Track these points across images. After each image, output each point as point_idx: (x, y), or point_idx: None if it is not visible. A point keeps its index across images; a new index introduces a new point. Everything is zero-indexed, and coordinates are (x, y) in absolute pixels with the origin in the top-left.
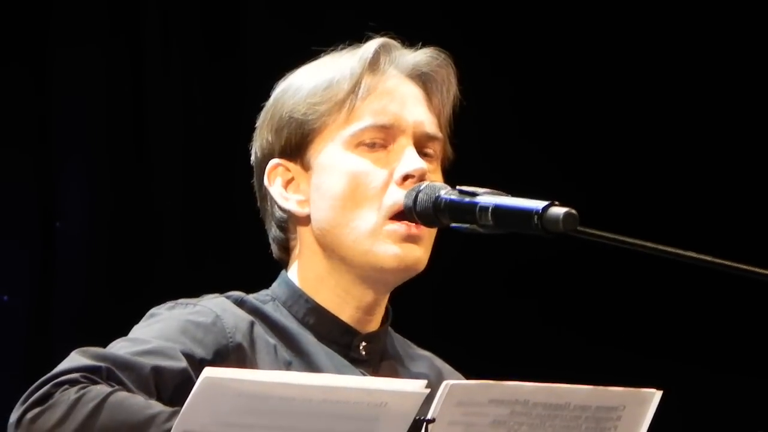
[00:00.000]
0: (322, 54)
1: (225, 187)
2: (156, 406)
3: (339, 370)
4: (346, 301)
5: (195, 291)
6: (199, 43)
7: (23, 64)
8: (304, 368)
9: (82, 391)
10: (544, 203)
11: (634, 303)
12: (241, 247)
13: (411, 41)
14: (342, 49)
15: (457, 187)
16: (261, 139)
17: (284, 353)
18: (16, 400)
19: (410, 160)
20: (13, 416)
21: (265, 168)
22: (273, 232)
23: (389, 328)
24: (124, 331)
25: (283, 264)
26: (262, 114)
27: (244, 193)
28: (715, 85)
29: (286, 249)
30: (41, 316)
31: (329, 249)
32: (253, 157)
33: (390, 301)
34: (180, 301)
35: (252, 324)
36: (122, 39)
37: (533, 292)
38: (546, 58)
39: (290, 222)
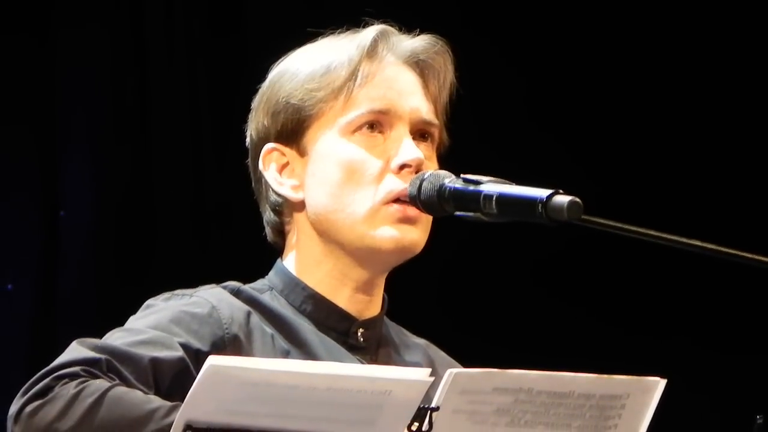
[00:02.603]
0: (320, 37)
1: (231, 172)
2: (155, 401)
3: (337, 359)
4: (344, 284)
5: (199, 277)
6: (203, 22)
7: (27, 46)
8: (301, 358)
9: (81, 386)
10: (549, 192)
11: (641, 288)
12: (246, 233)
13: (419, 29)
14: (340, 33)
15: (462, 175)
16: (256, 121)
17: (281, 343)
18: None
19: (407, 150)
20: (13, 408)
21: (260, 151)
22: (267, 215)
23: (384, 316)
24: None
25: (277, 247)
26: (258, 96)
27: (250, 179)
28: (720, 74)
29: (281, 232)
30: (46, 305)
31: (325, 233)
32: (248, 139)
33: (392, 288)
34: (176, 292)
35: (249, 314)
36: (126, 21)
37: (541, 278)
38: (555, 47)
39: (285, 206)
